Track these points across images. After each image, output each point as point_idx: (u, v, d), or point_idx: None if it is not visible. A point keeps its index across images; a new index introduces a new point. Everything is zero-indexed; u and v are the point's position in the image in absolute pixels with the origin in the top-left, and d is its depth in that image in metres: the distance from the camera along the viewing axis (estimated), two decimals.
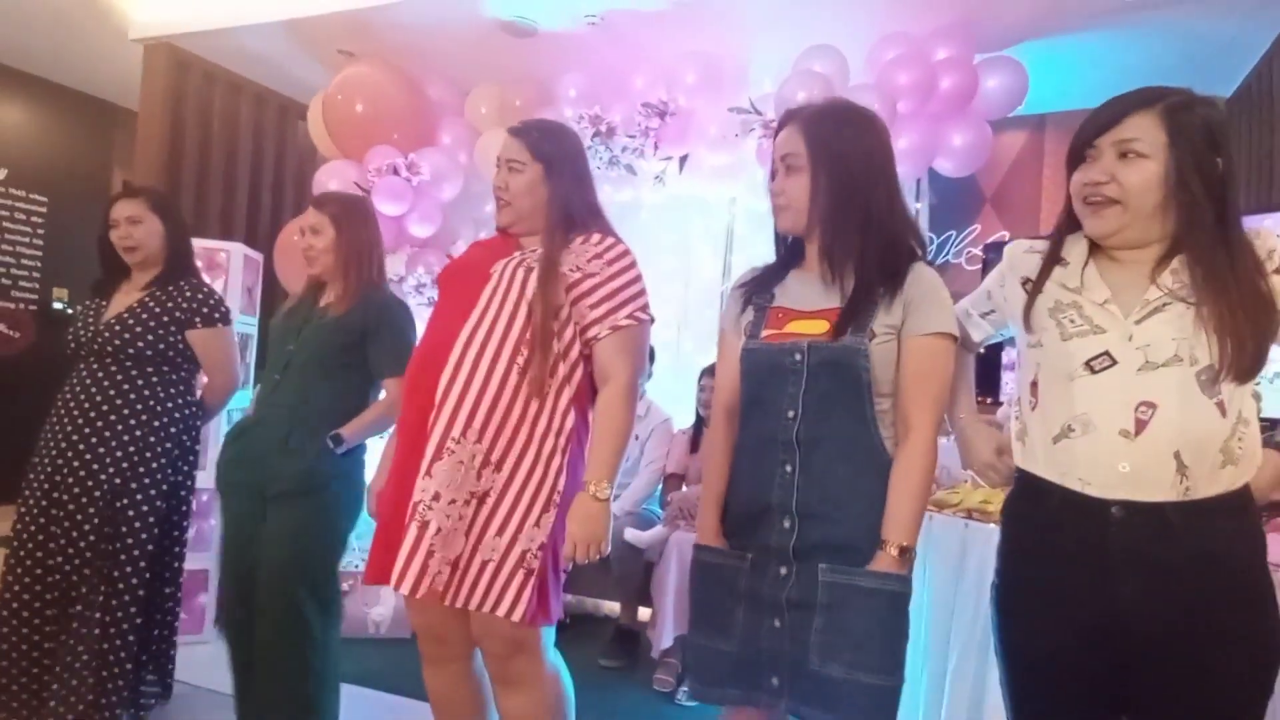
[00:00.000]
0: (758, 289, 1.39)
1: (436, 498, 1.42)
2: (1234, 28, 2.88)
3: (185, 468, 2.20)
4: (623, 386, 1.52)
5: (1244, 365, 1.06)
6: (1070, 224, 1.23)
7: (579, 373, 1.55)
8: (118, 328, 2.08)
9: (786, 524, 1.25)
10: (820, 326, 1.28)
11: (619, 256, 1.56)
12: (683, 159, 3.31)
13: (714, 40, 3.20)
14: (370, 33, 3.43)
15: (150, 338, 2.09)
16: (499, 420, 1.46)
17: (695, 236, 3.85)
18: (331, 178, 3.52)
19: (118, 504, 2.04)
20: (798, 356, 1.26)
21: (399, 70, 3.57)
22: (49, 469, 2.06)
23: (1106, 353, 1.11)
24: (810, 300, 1.33)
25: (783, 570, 1.25)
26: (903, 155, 3.01)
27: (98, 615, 2.00)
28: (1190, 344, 1.08)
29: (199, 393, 2.27)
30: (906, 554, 1.22)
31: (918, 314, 1.26)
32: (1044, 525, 1.17)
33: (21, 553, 2.06)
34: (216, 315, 2.18)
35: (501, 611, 1.44)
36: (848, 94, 2.94)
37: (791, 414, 1.26)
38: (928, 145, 3.01)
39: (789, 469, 1.26)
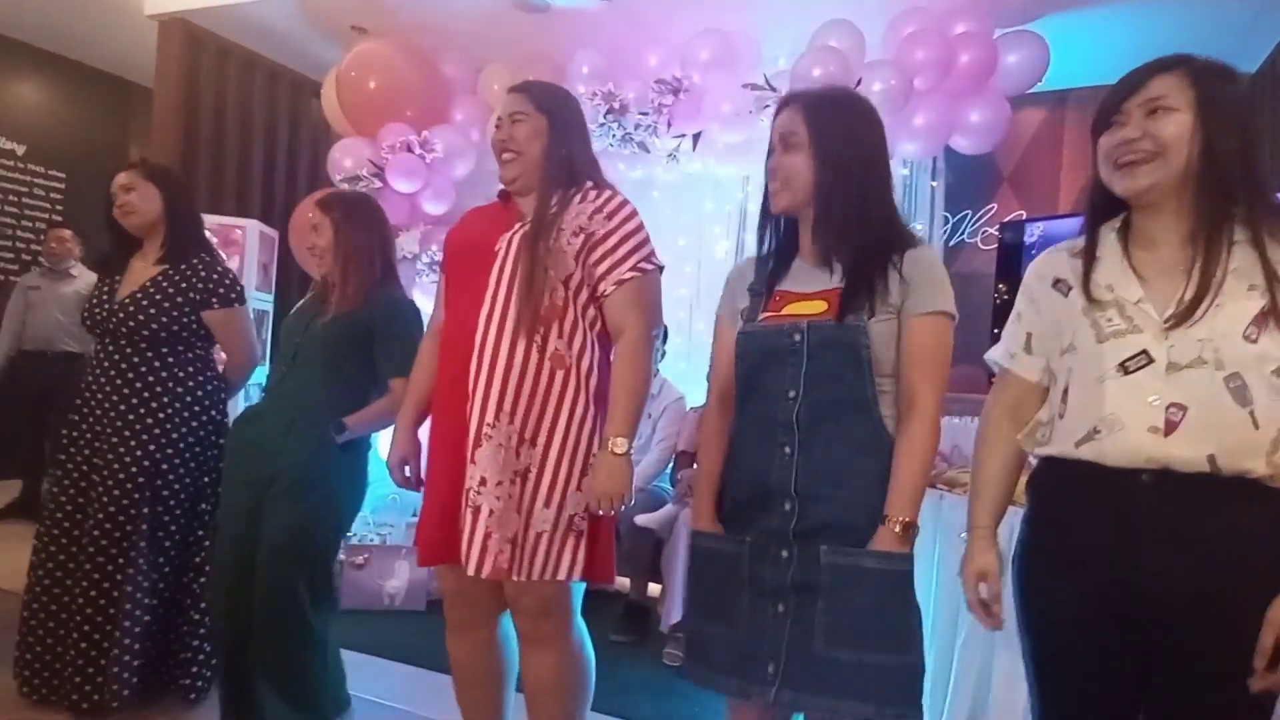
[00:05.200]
0: (758, 278, 1.39)
1: (483, 482, 1.48)
2: (1257, 4, 2.82)
3: (216, 440, 2.21)
4: (635, 340, 1.54)
5: None
6: (1097, 211, 1.19)
7: (599, 337, 1.59)
8: (131, 308, 2.08)
9: (787, 506, 1.25)
10: (818, 306, 1.29)
11: (618, 208, 1.57)
12: (696, 136, 3.29)
13: (728, 16, 3.17)
14: (383, 9, 3.42)
15: (164, 319, 2.09)
16: (527, 399, 1.50)
17: (708, 216, 3.83)
18: (345, 155, 3.52)
19: (157, 481, 2.09)
20: (797, 337, 1.26)
21: (412, 47, 3.55)
22: (85, 449, 2.10)
23: (1144, 351, 1.09)
24: (807, 283, 1.33)
25: (784, 554, 1.25)
26: (919, 132, 2.99)
27: (126, 591, 2.04)
28: (1215, 345, 1.04)
29: (219, 366, 2.29)
30: (909, 530, 1.22)
31: (916, 294, 1.26)
32: (1069, 493, 1.15)
33: (56, 530, 2.11)
34: (233, 295, 2.18)
35: (562, 576, 1.52)
36: (864, 70, 2.91)
37: (792, 394, 1.26)
38: (945, 122, 2.97)
39: (788, 450, 1.26)
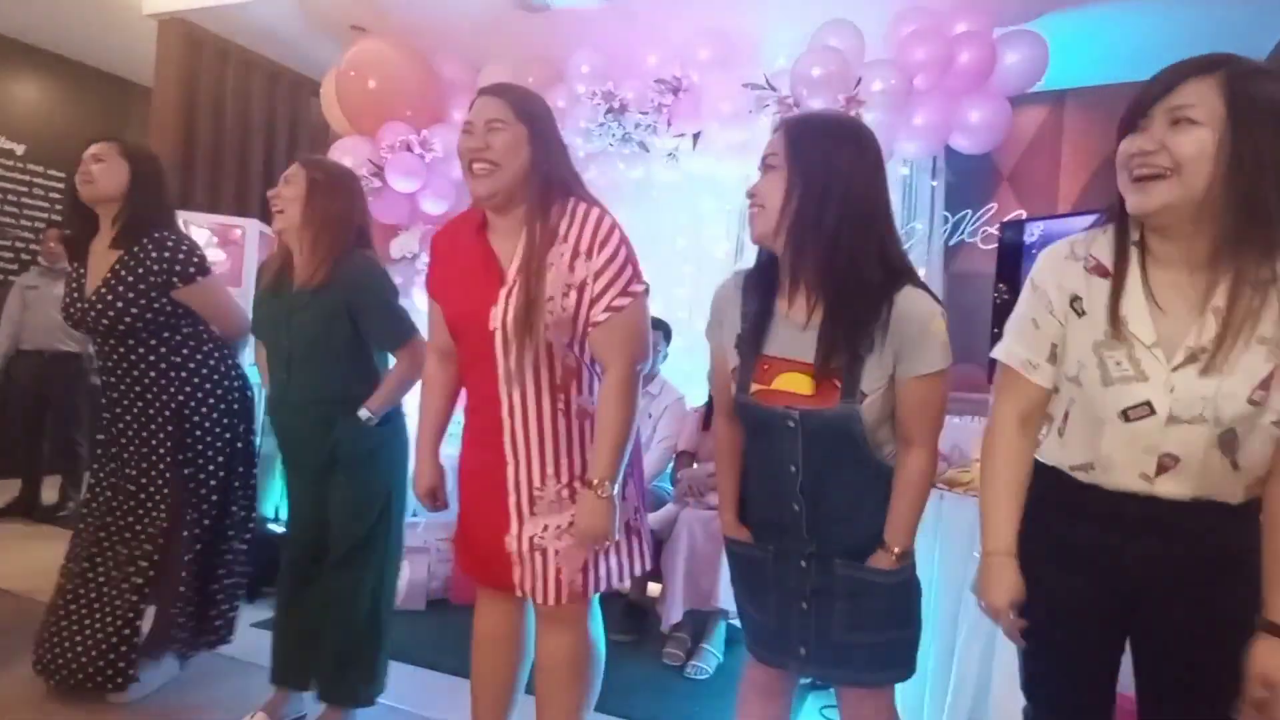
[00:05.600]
0: (742, 327, 1.35)
1: (546, 529, 1.56)
2: (1257, 2, 2.81)
3: (237, 410, 2.23)
4: (617, 378, 1.49)
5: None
6: (1125, 222, 1.12)
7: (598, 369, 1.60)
8: (100, 306, 2.04)
9: (805, 535, 1.35)
10: (806, 385, 1.28)
11: (593, 236, 1.47)
12: (696, 136, 3.28)
13: (728, 15, 3.16)
14: (382, 9, 3.42)
15: (135, 309, 2.05)
16: (566, 457, 1.55)
17: (708, 215, 3.82)
18: (345, 154, 3.51)
19: (185, 470, 2.14)
20: (790, 424, 1.29)
21: (411, 47, 3.55)
22: (119, 442, 2.14)
23: (1148, 403, 1.08)
24: (793, 345, 1.30)
25: (803, 564, 1.36)
26: (919, 132, 2.98)
27: (163, 574, 2.13)
28: (1217, 405, 1.05)
29: (217, 336, 2.25)
30: (905, 555, 1.34)
31: (910, 359, 1.25)
32: (1063, 498, 1.21)
33: (94, 519, 2.16)
34: (192, 268, 2.08)
35: (637, 573, 1.67)
36: (864, 70, 2.90)
37: (794, 468, 1.32)
38: (944, 122, 2.96)
39: (797, 508, 1.34)
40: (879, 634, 1.35)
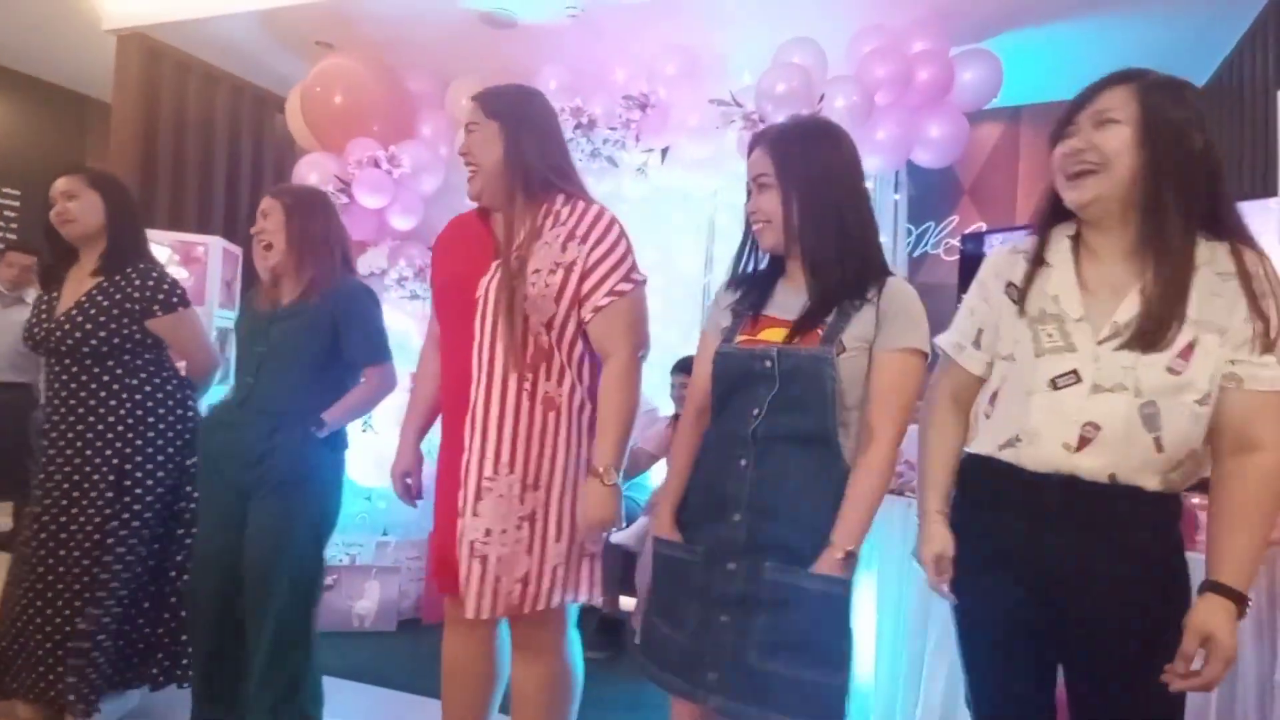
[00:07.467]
0: (744, 297, 1.40)
1: (489, 533, 1.48)
2: (1206, 18, 2.93)
3: (188, 440, 2.16)
4: (620, 365, 1.53)
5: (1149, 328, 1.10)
6: (1049, 218, 1.24)
7: (585, 368, 1.58)
8: (68, 326, 2.01)
9: (737, 518, 1.28)
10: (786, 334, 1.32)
11: (591, 226, 1.53)
12: (664, 151, 3.31)
13: (694, 32, 3.21)
14: (348, 24, 3.41)
15: (103, 333, 2.02)
16: (524, 447, 1.50)
17: (677, 229, 3.85)
18: (311, 170, 3.49)
19: (125, 498, 2.05)
20: (768, 363, 1.29)
21: (378, 62, 3.54)
22: (56, 473, 2.05)
23: (1074, 371, 1.15)
24: (790, 309, 1.34)
25: (731, 565, 1.28)
26: (881, 147, 3.05)
27: (97, 599, 2.02)
28: (1137, 375, 1.11)
29: (178, 368, 2.21)
30: (850, 558, 1.25)
31: (891, 329, 1.28)
32: (990, 490, 1.24)
33: (35, 545, 2.06)
34: (174, 299, 2.10)
35: (584, 598, 1.58)
36: (826, 86, 2.96)
37: (755, 412, 1.29)
38: (905, 137, 3.03)
39: (744, 463, 1.29)
40: (799, 666, 1.22)
